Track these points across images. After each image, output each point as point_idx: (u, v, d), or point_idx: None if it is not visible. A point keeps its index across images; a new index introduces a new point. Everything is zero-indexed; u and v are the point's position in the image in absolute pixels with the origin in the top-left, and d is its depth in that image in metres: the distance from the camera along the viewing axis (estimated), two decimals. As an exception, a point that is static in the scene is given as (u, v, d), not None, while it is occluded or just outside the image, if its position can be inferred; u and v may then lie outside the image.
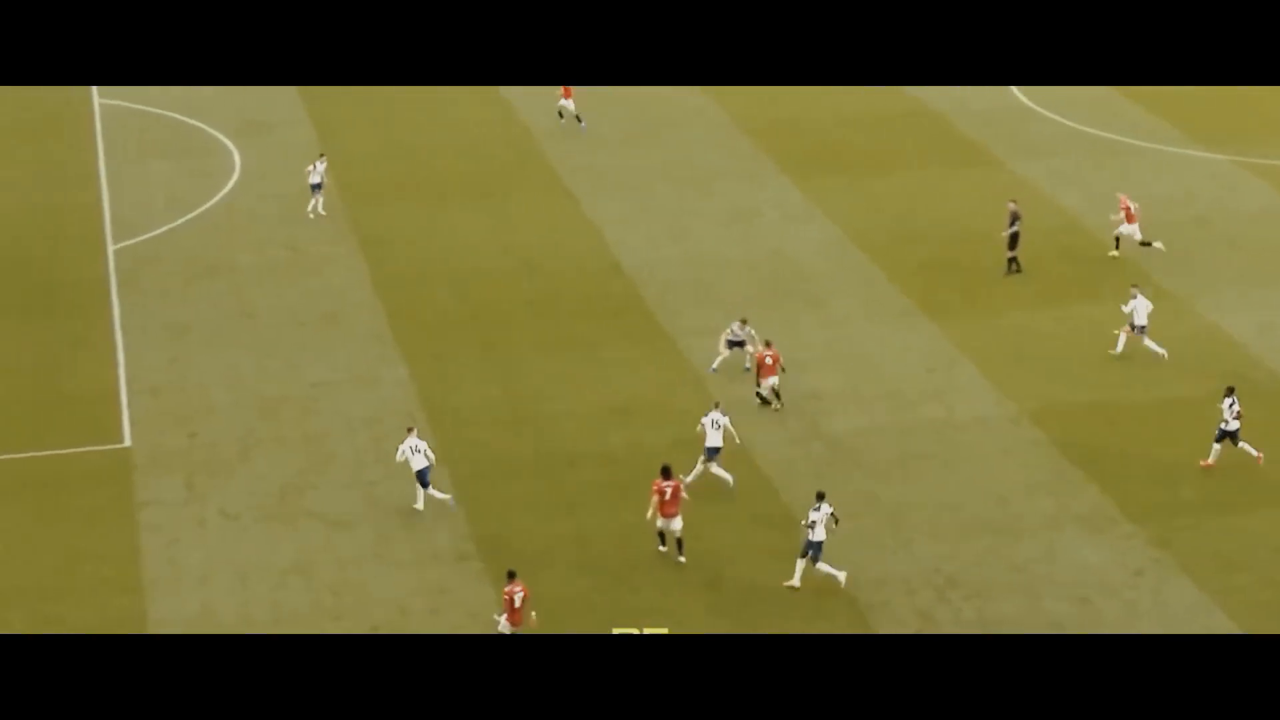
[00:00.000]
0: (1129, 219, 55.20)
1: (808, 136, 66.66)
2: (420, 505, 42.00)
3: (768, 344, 46.72)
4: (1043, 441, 45.22)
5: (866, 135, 67.01)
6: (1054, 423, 46.01)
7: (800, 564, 39.06)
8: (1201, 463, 43.73)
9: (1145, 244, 55.25)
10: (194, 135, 66.75)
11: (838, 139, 66.55)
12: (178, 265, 55.55)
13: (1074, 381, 48.30)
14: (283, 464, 44.24)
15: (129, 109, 69.07)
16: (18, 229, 58.51)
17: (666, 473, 39.87)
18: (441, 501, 42.05)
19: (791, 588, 38.98)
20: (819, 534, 38.70)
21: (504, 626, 36.49)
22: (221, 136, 66.54)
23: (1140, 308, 49.03)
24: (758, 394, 46.67)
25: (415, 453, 41.67)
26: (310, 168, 59.07)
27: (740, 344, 48.11)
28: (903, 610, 38.46)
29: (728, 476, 42.57)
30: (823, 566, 38.96)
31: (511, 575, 36.56)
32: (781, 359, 46.59)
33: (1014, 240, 54.47)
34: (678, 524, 39.77)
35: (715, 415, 42.67)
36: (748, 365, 47.63)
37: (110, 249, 56.67)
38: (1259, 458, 43.68)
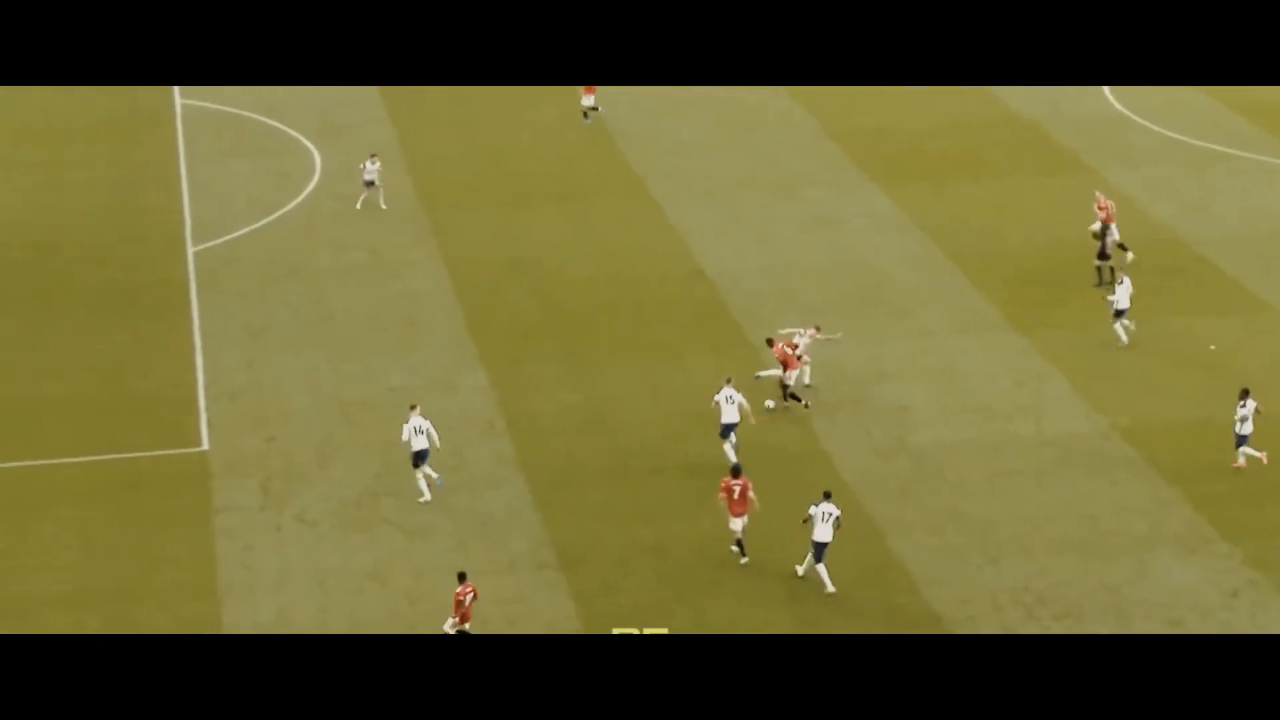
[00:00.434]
0: (1107, 219, 54.26)
1: (895, 143, 65.68)
2: (427, 497, 41.95)
3: (795, 339, 46.59)
4: (1134, 458, 44.21)
5: (955, 142, 65.94)
6: (1145, 439, 45.01)
7: (809, 561, 38.93)
8: (1232, 465, 43.50)
9: (1122, 246, 54.32)
10: (274, 136, 66.59)
11: (926, 146, 65.52)
12: (257, 267, 55.35)
13: (1166, 396, 47.26)
14: (360, 470, 43.84)
15: (210, 110, 68.99)
16: (100, 230, 58.50)
17: (736, 471, 40.12)
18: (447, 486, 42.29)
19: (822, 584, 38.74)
20: (819, 534, 38.47)
21: (448, 626, 36.46)
22: (302, 138, 66.33)
23: (1123, 293, 49.29)
24: (789, 394, 45.99)
25: (419, 434, 41.72)
26: (362, 166, 59.25)
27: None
28: (989, 628, 37.60)
29: (732, 457, 42.43)
30: (820, 569, 38.69)
31: (462, 577, 36.79)
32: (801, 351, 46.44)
33: (1103, 250, 53.55)
34: (740, 523, 39.71)
35: (729, 390, 43.14)
36: (770, 404, 46.36)
37: (190, 250, 56.54)
38: (1261, 457, 43.14)
